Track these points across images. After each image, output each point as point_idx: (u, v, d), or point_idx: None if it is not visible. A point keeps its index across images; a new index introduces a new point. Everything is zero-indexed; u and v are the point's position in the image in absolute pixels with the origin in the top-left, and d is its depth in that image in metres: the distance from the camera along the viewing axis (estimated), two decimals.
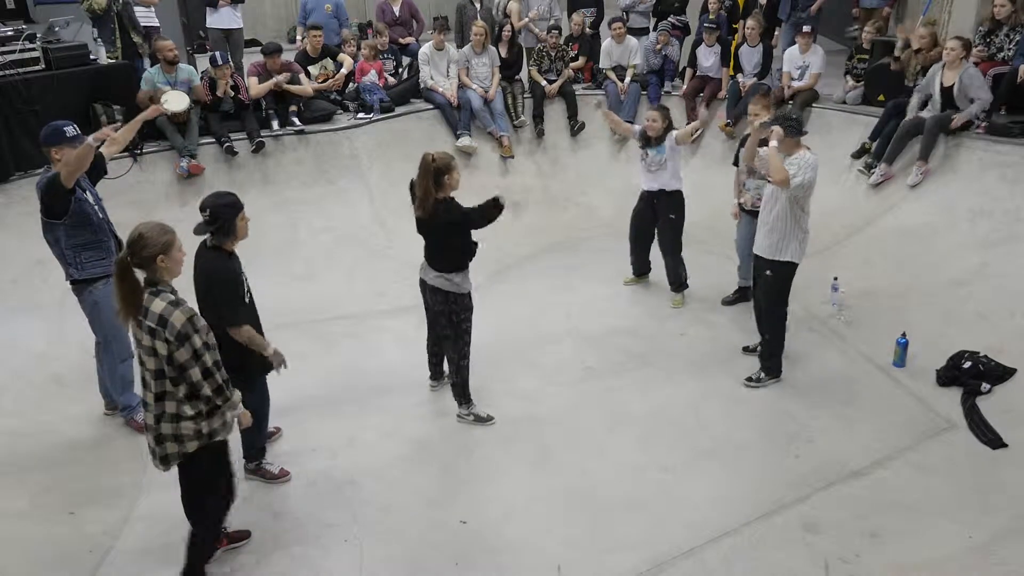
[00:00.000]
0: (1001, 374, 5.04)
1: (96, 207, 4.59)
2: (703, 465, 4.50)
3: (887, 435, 4.70)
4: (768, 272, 5.10)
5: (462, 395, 4.90)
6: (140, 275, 3.19)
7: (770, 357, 5.30)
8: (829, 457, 4.53)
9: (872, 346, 5.61)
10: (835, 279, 6.06)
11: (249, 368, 4.02)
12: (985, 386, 4.97)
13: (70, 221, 4.42)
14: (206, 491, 3.54)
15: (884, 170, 7.09)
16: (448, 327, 4.72)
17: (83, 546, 3.93)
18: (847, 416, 4.91)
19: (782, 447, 4.64)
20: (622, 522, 4.08)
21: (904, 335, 5.36)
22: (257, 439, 4.32)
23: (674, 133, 6.11)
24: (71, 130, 4.45)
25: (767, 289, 5.17)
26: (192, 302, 3.38)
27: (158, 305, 3.12)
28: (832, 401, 5.07)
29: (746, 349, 5.67)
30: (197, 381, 3.21)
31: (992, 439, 4.60)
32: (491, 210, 4.49)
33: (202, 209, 3.73)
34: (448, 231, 4.50)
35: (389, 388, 5.27)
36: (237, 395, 3.42)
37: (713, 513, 4.11)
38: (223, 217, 3.73)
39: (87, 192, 4.56)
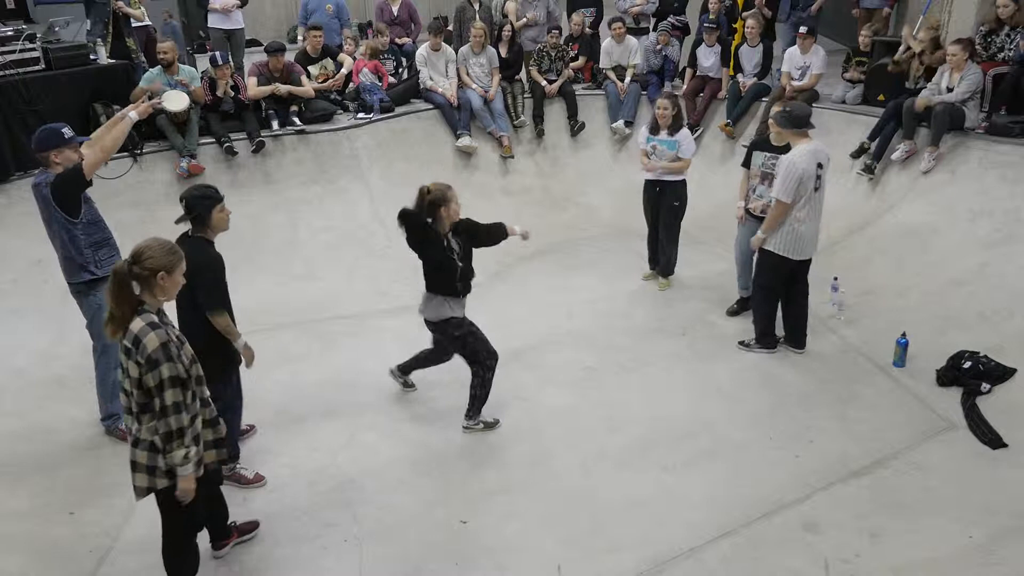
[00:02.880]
0: (1001, 374, 5.04)
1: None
2: (703, 465, 4.50)
3: (887, 435, 4.70)
4: (755, 256, 5.59)
5: (476, 409, 4.81)
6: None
7: (756, 328, 5.69)
8: (829, 457, 4.53)
9: (872, 346, 5.61)
10: (835, 279, 6.06)
11: (224, 358, 4.00)
12: (985, 386, 4.97)
13: (85, 219, 4.41)
14: (173, 519, 3.33)
15: (908, 146, 7.07)
16: (459, 350, 4.71)
17: (83, 546, 3.93)
18: (847, 416, 4.91)
19: (782, 447, 4.64)
20: (622, 522, 4.07)
21: (904, 335, 5.36)
22: (229, 438, 4.26)
23: (685, 135, 6.27)
24: (68, 131, 4.38)
25: (755, 270, 5.65)
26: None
27: (136, 324, 2.98)
28: (832, 401, 5.07)
29: (741, 343, 5.75)
30: (157, 412, 3.02)
31: (992, 439, 4.59)
32: (496, 234, 4.68)
33: (180, 199, 3.91)
34: (436, 256, 4.49)
35: (389, 388, 5.26)
36: (182, 453, 3.08)
37: (713, 513, 4.11)
38: (197, 208, 3.85)
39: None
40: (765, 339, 5.63)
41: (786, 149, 5.40)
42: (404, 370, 5.18)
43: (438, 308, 4.57)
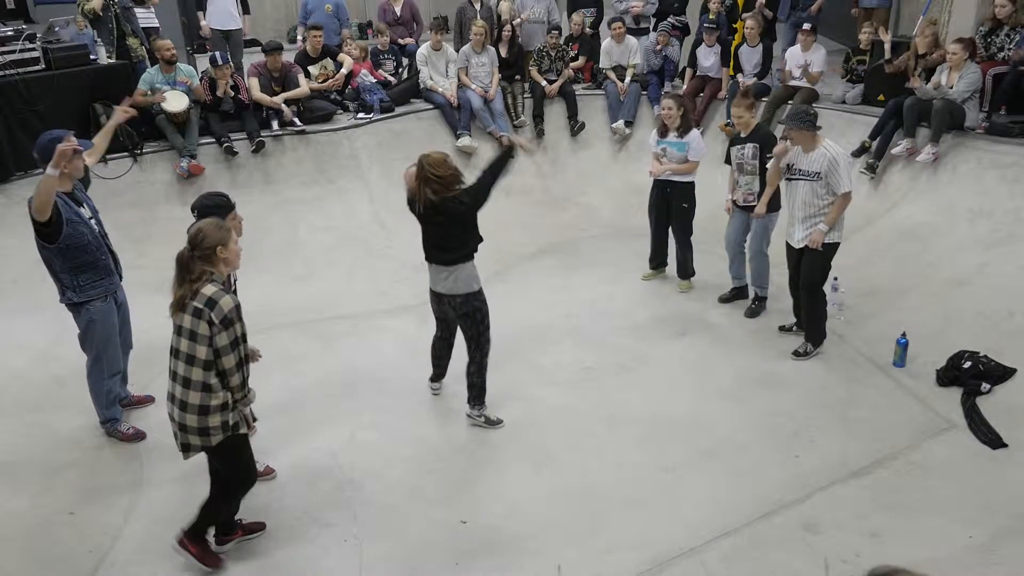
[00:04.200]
0: (1001, 374, 5.04)
1: (92, 221, 4.41)
2: (703, 465, 4.50)
3: (887, 435, 4.70)
4: (815, 253, 5.34)
5: (479, 396, 4.84)
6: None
7: (816, 324, 5.54)
8: (829, 457, 4.53)
9: (872, 346, 5.61)
10: (835, 279, 6.05)
11: None
12: (985, 386, 4.97)
13: (64, 244, 4.24)
14: (231, 475, 3.67)
15: (908, 144, 7.06)
16: (472, 327, 4.70)
17: (83, 546, 3.93)
18: (847, 416, 4.91)
19: (782, 447, 4.64)
20: (622, 522, 4.08)
21: (904, 335, 5.36)
22: None
23: (695, 137, 6.32)
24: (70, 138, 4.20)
25: (817, 267, 5.38)
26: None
27: (209, 289, 3.27)
28: (832, 401, 5.07)
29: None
30: (229, 368, 3.35)
31: (992, 439, 4.59)
32: (502, 162, 4.47)
33: (192, 209, 3.97)
34: (461, 219, 4.45)
35: (389, 388, 5.26)
36: (254, 394, 3.56)
37: (713, 513, 4.11)
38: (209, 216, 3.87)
39: (83, 206, 4.39)
40: (822, 336, 5.57)
41: (748, 139, 5.81)
42: (438, 378, 5.20)
43: (470, 278, 4.59)
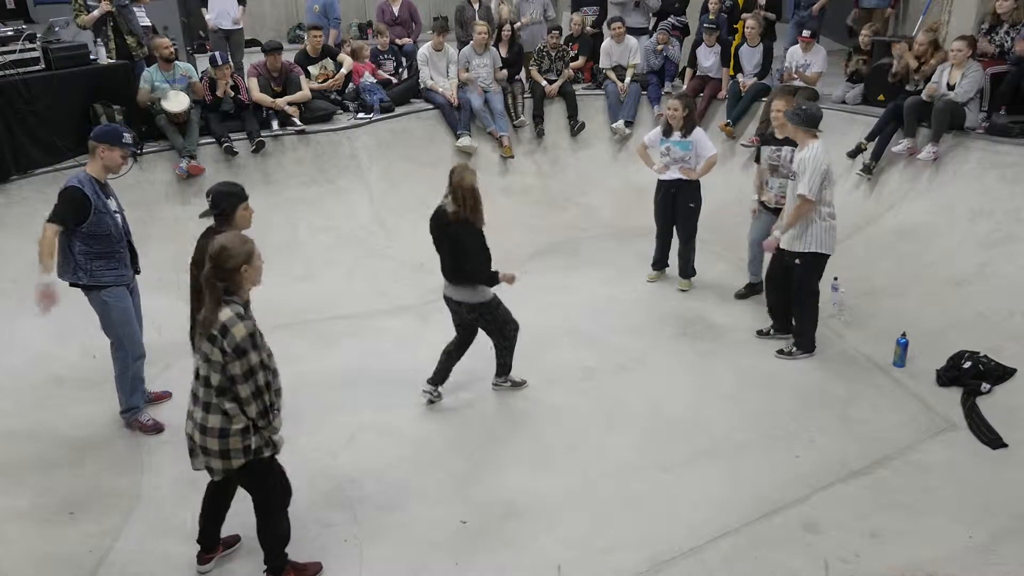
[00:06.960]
0: (1001, 374, 5.04)
1: (118, 215, 4.59)
2: (703, 465, 4.50)
3: (887, 435, 4.70)
4: (797, 262, 5.31)
5: (504, 371, 5.16)
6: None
7: (802, 334, 5.55)
8: (829, 457, 4.53)
9: (872, 346, 5.61)
10: (835, 279, 6.06)
11: None
12: (985, 386, 4.97)
13: (87, 230, 4.41)
14: (263, 494, 3.54)
15: (909, 144, 7.05)
16: (487, 326, 4.88)
17: (83, 546, 3.93)
18: (847, 416, 4.91)
19: (782, 447, 4.64)
20: (622, 522, 4.08)
21: (904, 335, 5.36)
22: None
23: (700, 135, 6.32)
24: (128, 137, 4.60)
25: (798, 279, 5.37)
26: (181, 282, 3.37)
27: (225, 314, 3.13)
28: (832, 401, 5.07)
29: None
30: (244, 398, 3.20)
31: (992, 439, 4.59)
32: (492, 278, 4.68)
33: (207, 195, 4.01)
34: (468, 249, 4.59)
35: (389, 388, 5.26)
36: (279, 421, 3.40)
37: (713, 513, 4.11)
38: (222, 205, 3.97)
39: (111, 199, 4.57)
40: (810, 345, 5.55)
41: (787, 141, 5.61)
42: (437, 382, 5.07)
43: (482, 291, 4.74)
